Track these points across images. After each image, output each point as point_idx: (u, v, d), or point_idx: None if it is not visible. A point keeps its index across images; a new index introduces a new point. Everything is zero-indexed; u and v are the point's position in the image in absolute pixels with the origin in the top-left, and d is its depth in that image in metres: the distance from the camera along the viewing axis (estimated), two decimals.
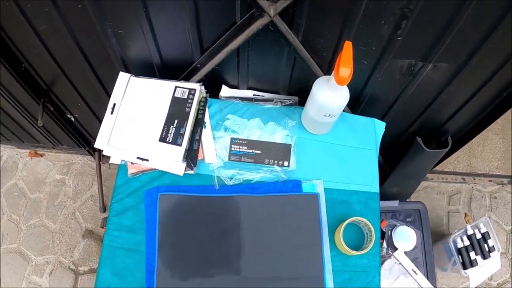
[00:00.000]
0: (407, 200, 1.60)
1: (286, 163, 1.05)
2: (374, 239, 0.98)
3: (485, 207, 1.96)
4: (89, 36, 1.03)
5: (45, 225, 1.83)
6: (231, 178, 1.02)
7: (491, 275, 1.84)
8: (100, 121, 1.49)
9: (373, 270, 1.01)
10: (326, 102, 0.94)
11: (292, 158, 1.05)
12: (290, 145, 1.06)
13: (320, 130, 1.08)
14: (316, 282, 0.97)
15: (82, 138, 1.68)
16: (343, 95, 0.95)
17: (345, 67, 0.85)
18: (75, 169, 1.92)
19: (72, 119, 1.54)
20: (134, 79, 1.08)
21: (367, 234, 1.03)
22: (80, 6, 0.90)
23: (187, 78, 1.10)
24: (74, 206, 1.86)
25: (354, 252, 0.96)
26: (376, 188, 1.08)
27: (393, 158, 1.49)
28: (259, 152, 1.05)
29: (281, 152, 1.05)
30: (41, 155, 1.94)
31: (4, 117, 1.58)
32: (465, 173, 1.97)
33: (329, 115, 0.98)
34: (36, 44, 1.08)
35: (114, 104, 1.05)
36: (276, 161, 1.04)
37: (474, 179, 1.97)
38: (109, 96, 1.30)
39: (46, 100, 1.39)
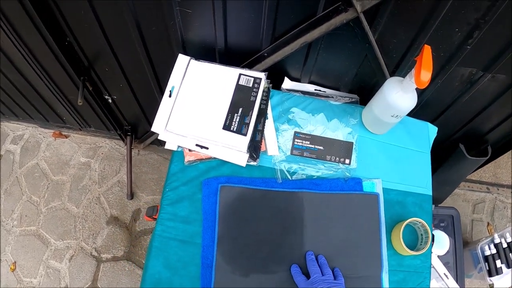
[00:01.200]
0: (440, 205, 1.62)
1: (347, 161, 1.04)
2: (430, 240, 0.99)
3: (507, 217, 1.99)
4: (151, 12, 1.00)
5: (67, 209, 1.79)
6: (293, 173, 1.01)
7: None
8: (140, 105, 1.50)
9: (425, 271, 1.01)
10: (396, 103, 0.94)
11: (354, 156, 1.05)
12: (352, 143, 1.05)
13: (381, 130, 1.08)
14: (373, 281, 0.97)
15: (116, 121, 1.64)
16: (413, 98, 0.95)
17: (426, 71, 0.84)
18: (102, 153, 1.88)
19: (109, 100, 1.51)
20: (194, 63, 1.06)
21: (422, 236, 1.03)
22: None
23: (250, 66, 1.09)
24: (99, 191, 1.82)
25: (412, 252, 0.96)
26: (429, 191, 1.08)
27: (433, 163, 1.49)
28: (321, 148, 1.05)
29: (343, 150, 1.05)
30: (66, 136, 1.90)
31: (32, 93, 1.54)
32: (490, 183, 1.99)
33: (396, 115, 0.98)
34: (88, 17, 1.04)
35: (173, 88, 1.03)
36: (337, 158, 1.04)
37: (498, 189, 2.00)
38: (158, 79, 1.29)
39: (86, 79, 1.35)
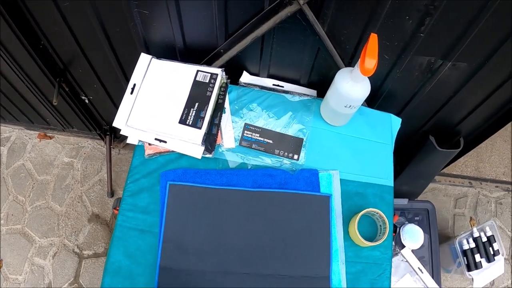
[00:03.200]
0: (416, 199, 1.61)
1: (296, 156, 1.05)
2: (388, 231, 0.99)
3: (490, 212, 1.97)
4: (113, 15, 1.03)
5: (51, 207, 1.83)
6: (242, 164, 1.03)
7: (493, 280, 1.85)
8: (115, 104, 1.52)
9: (385, 263, 1.01)
10: (347, 93, 0.95)
11: (303, 152, 1.05)
12: (302, 139, 1.06)
13: (339, 121, 1.09)
14: (321, 282, 0.97)
15: (94, 121, 1.68)
16: (364, 87, 0.96)
17: (370, 58, 0.85)
18: (84, 153, 1.92)
19: (86, 101, 1.54)
20: (156, 61, 1.09)
21: (380, 227, 1.03)
22: None
23: (209, 63, 1.11)
24: (81, 190, 1.85)
25: (368, 243, 0.97)
26: (390, 182, 1.09)
27: (405, 156, 1.50)
28: (270, 141, 1.06)
29: (292, 145, 1.06)
30: (50, 137, 1.94)
31: (15, 96, 1.58)
32: (472, 178, 1.98)
33: (350, 106, 0.99)
34: (58, 21, 1.08)
35: (134, 85, 1.06)
36: (286, 153, 1.05)
37: (481, 183, 1.98)
38: (127, 78, 1.32)
39: (61, 80, 1.38)
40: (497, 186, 2.00)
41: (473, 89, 1.15)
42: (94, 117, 1.66)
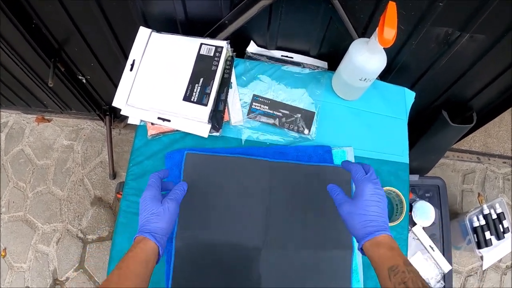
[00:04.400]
0: (426, 175, 1.54)
1: (306, 131, 0.97)
2: (405, 210, 0.93)
3: (498, 188, 1.91)
4: None
5: (52, 192, 1.75)
6: (249, 140, 0.96)
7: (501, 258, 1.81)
8: (114, 83, 1.43)
9: (401, 243, 0.95)
10: (363, 65, 0.87)
11: (314, 127, 0.98)
12: (314, 113, 0.99)
13: (352, 95, 1.01)
14: (344, 257, 0.91)
15: (93, 101, 1.59)
16: (381, 59, 0.88)
17: (389, 28, 0.77)
18: (84, 135, 1.83)
19: (84, 80, 1.46)
20: (156, 35, 1.00)
21: (397, 206, 0.97)
22: None
23: (213, 35, 1.02)
24: (82, 173, 1.78)
25: None
26: (406, 159, 1.02)
27: (416, 131, 1.42)
28: (280, 114, 0.98)
29: (303, 119, 0.98)
30: (49, 121, 1.85)
31: (10, 79, 1.49)
32: (481, 153, 1.91)
33: (365, 79, 0.91)
34: None
35: (134, 61, 0.97)
36: (296, 127, 0.97)
37: (489, 159, 1.92)
38: (125, 55, 1.23)
39: (57, 60, 1.30)
40: (504, 162, 1.94)
41: (489, 62, 1.08)
42: (93, 97, 1.58)
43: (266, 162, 0.93)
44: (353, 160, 0.97)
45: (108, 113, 1.67)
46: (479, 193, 1.89)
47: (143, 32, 1.00)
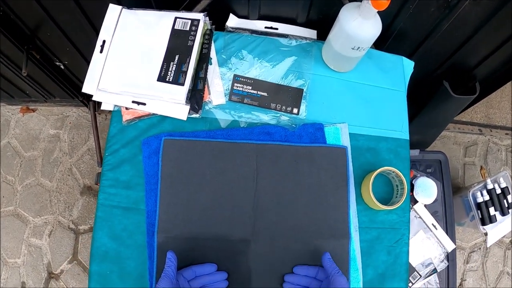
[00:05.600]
0: (426, 149, 1.44)
1: (295, 110, 0.86)
2: (406, 192, 0.83)
3: (501, 160, 1.81)
4: None
5: (41, 184, 1.67)
6: (234, 122, 0.85)
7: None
8: None
9: (403, 227, 0.86)
10: (355, 32, 0.77)
11: (303, 105, 0.87)
12: (302, 90, 0.87)
13: (344, 66, 0.90)
14: (341, 246, 0.81)
15: (74, 87, 1.49)
16: (375, 25, 0.77)
17: None
18: (70, 122, 1.73)
19: (62, 66, 1.35)
20: (126, 12, 0.88)
21: (397, 187, 0.87)
22: None
23: (189, 8, 0.91)
24: (70, 162, 1.69)
25: (385, 207, 0.81)
26: (406, 135, 0.92)
27: (416, 104, 1.31)
28: (265, 94, 0.87)
29: (290, 97, 0.87)
30: (33, 110, 1.75)
31: None
32: (482, 124, 1.81)
33: (358, 48, 0.80)
34: None
35: (104, 42, 0.86)
36: (284, 107, 0.86)
37: (491, 131, 1.81)
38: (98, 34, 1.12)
39: (30, 47, 1.20)
40: (507, 134, 1.83)
41: (493, 29, 0.98)
42: (73, 83, 1.48)
43: (251, 145, 0.82)
44: (347, 138, 0.86)
45: (91, 98, 1.56)
46: (481, 166, 1.79)
47: (112, 9, 0.89)
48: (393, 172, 0.84)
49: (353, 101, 0.90)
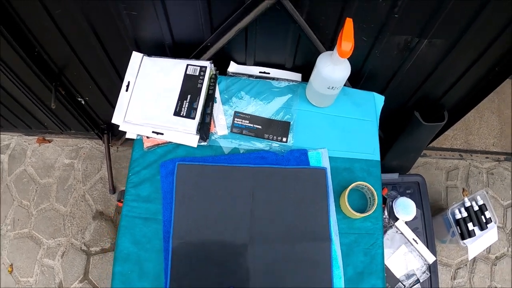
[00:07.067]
0: (407, 173, 1.70)
1: (284, 139, 1.14)
2: (376, 202, 1.07)
3: (482, 182, 2.06)
4: (103, 18, 1.11)
5: (55, 209, 1.91)
6: (235, 149, 1.12)
7: (489, 248, 1.95)
8: (111, 103, 1.60)
9: (377, 232, 1.10)
10: (329, 75, 1.03)
11: (290, 135, 1.14)
12: (289, 122, 1.15)
13: (324, 102, 1.17)
14: (323, 247, 1.06)
15: (91, 121, 1.75)
16: (344, 68, 1.03)
17: (346, 41, 0.93)
18: (84, 153, 2.00)
19: (83, 102, 1.61)
20: (147, 59, 1.17)
21: (369, 199, 1.12)
22: None
23: (197, 57, 1.19)
24: (83, 189, 1.94)
25: (359, 215, 1.05)
26: (377, 156, 1.17)
27: (393, 132, 1.58)
28: (260, 127, 1.14)
29: (280, 129, 1.15)
30: (49, 141, 2.02)
31: (13, 103, 1.65)
32: (463, 150, 2.07)
33: (332, 87, 1.07)
34: (50, 28, 1.15)
35: (129, 82, 1.13)
36: (275, 137, 1.14)
37: (471, 155, 2.07)
38: (120, 77, 1.40)
39: (58, 84, 1.45)
40: (487, 157, 2.09)
41: (451, 63, 1.23)
42: (91, 117, 1.74)
43: (248, 168, 1.09)
44: (327, 160, 1.13)
45: (106, 131, 1.84)
46: (463, 188, 2.04)
47: (135, 56, 1.17)
48: (365, 186, 1.10)
49: (332, 130, 1.17)
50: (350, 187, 1.07)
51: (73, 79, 1.48)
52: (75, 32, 1.18)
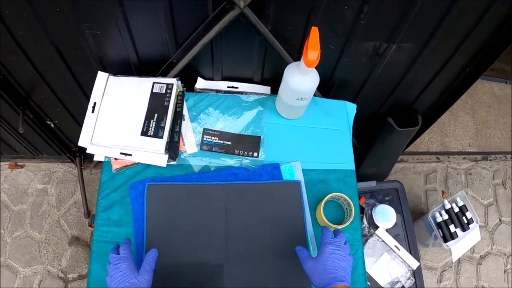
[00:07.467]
0: (384, 180, 1.69)
1: (255, 154, 1.11)
2: (353, 213, 1.05)
3: (461, 183, 2.07)
4: (67, 39, 1.08)
5: (30, 236, 1.85)
6: (205, 167, 1.09)
7: (473, 248, 1.95)
8: (80, 125, 1.54)
9: (356, 243, 1.08)
10: (297, 86, 1.01)
11: (262, 149, 1.12)
12: (260, 137, 1.13)
13: (294, 114, 1.16)
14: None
15: (62, 145, 1.71)
16: (313, 78, 1.02)
17: (312, 50, 0.91)
18: (57, 177, 1.95)
19: (52, 125, 1.57)
20: (113, 78, 1.13)
21: (346, 210, 1.10)
22: (57, 9, 0.95)
23: (164, 74, 1.17)
24: (58, 214, 1.88)
25: (336, 226, 1.02)
26: (351, 166, 1.16)
27: (368, 140, 1.57)
28: (229, 143, 1.12)
29: (250, 144, 1.12)
30: (21, 166, 1.96)
31: None
32: (439, 153, 2.08)
33: (301, 98, 1.05)
34: (15, 50, 1.11)
35: (95, 103, 1.10)
36: (246, 152, 1.11)
37: (449, 157, 2.08)
38: (88, 98, 1.34)
39: (25, 107, 1.41)
40: (464, 158, 2.10)
41: (422, 67, 1.23)
42: (62, 140, 1.70)
43: (220, 185, 1.06)
44: (301, 173, 1.10)
45: (78, 154, 1.80)
46: (443, 191, 2.05)
47: (101, 76, 1.13)
48: (341, 197, 1.08)
49: (304, 142, 1.15)
50: (325, 199, 1.04)
51: (40, 102, 1.44)
52: (40, 54, 1.15)
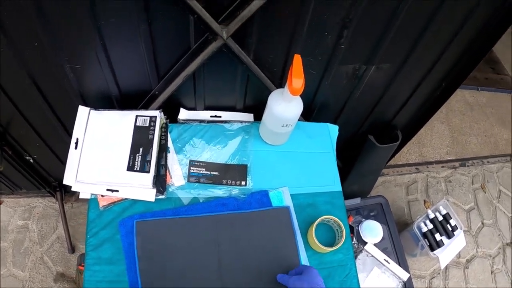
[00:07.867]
0: (368, 196, 1.71)
1: (243, 183, 1.11)
2: (344, 234, 1.06)
3: (442, 191, 2.12)
4: (45, 72, 1.06)
5: (13, 275, 1.78)
6: (194, 199, 1.08)
7: (459, 253, 1.99)
8: (60, 160, 1.53)
9: (349, 263, 1.08)
10: (282, 113, 1.02)
11: (249, 177, 1.12)
12: (246, 165, 1.13)
13: (279, 140, 1.16)
14: None
15: (42, 179, 1.67)
16: (297, 105, 1.03)
17: (297, 79, 0.92)
18: (37, 213, 1.89)
19: (31, 160, 1.54)
20: (94, 112, 1.11)
21: (337, 231, 1.11)
22: (36, 43, 0.93)
23: (146, 106, 1.16)
24: (41, 251, 1.82)
25: (329, 249, 1.03)
26: (338, 187, 1.17)
27: (350, 158, 1.60)
28: (216, 173, 1.11)
29: (237, 173, 1.12)
30: (0, 203, 1.90)
31: None
32: (418, 163, 2.13)
33: (286, 125, 1.06)
34: None
35: (77, 139, 1.08)
36: (233, 181, 1.11)
37: (428, 167, 2.13)
38: (68, 133, 1.34)
39: (3, 143, 1.38)
40: (443, 166, 2.16)
41: (400, 85, 1.27)
42: (41, 175, 1.66)
43: (210, 217, 1.05)
44: (289, 199, 1.11)
45: (58, 188, 1.76)
46: (425, 200, 2.09)
47: (82, 111, 1.11)
48: (331, 219, 1.08)
49: (290, 167, 1.16)
50: (315, 223, 1.05)
51: (19, 137, 1.41)
52: (17, 88, 1.12)
